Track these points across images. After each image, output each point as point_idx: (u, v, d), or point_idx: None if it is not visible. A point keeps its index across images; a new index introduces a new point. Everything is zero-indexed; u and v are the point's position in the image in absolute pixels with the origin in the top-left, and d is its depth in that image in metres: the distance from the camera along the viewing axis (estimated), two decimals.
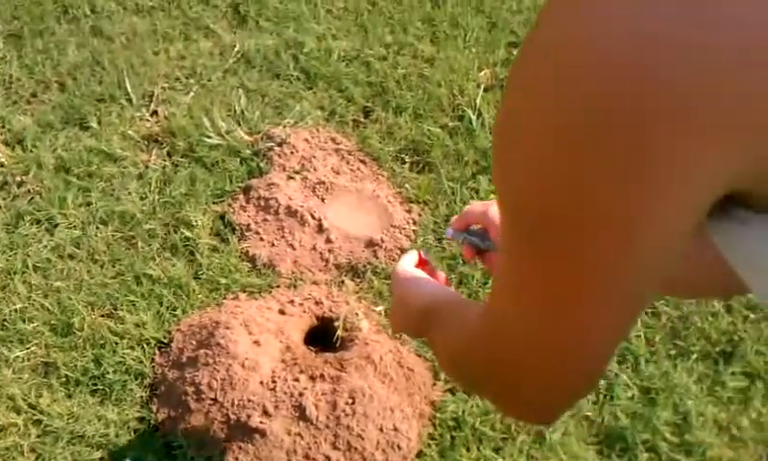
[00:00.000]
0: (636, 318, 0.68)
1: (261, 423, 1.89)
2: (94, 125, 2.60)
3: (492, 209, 1.15)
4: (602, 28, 0.48)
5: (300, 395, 1.92)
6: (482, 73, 2.90)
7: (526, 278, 0.61)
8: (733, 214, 0.58)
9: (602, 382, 2.06)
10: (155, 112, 2.68)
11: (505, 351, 0.70)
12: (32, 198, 2.43)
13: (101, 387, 2.01)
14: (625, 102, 0.47)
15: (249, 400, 1.92)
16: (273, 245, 2.34)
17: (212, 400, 1.93)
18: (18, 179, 2.47)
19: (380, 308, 2.22)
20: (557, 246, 0.56)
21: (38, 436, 1.93)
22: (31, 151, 2.55)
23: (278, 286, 2.24)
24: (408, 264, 1.22)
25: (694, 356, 2.13)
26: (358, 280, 2.29)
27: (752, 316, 2.17)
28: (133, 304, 2.15)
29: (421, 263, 1.23)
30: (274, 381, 1.96)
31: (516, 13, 3.16)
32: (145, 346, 2.08)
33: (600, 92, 0.48)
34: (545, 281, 0.59)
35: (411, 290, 1.15)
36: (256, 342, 2.03)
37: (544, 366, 0.66)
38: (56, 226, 2.34)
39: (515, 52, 2.97)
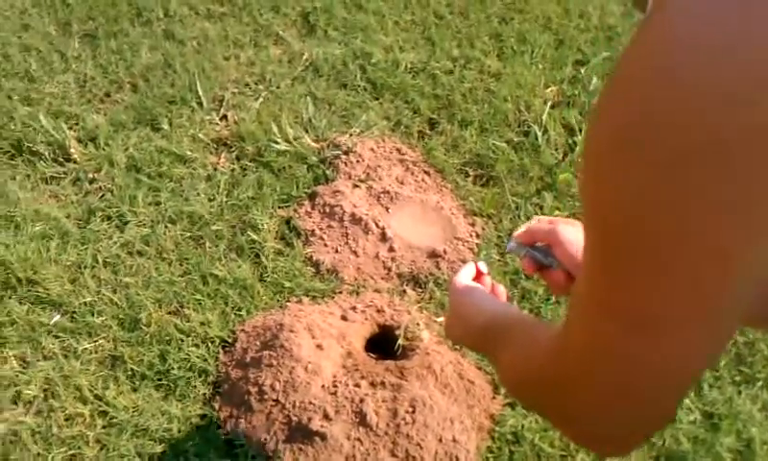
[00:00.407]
0: (723, 348, 0.64)
1: (322, 426, 1.91)
2: (165, 126, 2.66)
3: (561, 227, 1.13)
4: (694, 57, 0.47)
5: (361, 401, 1.94)
6: (548, 90, 2.90)
7: (612, 299, 0.59)
8: None
9: None
10: (224, 117, 2.73)
11: (583, 375, 0.66)
12: (103, 195, 2.49)
13: (165, 382, 2.04)
14: (731, 133, 0.47)
15: (310, 403, 1.94)
16: (336, 251, 2.36)
17: (274, 400, 1.95)
18: (90, 175, 2.53)
19: (441, 319, 2.22)
20: (653, 266, 0.54)
21: (104, 427, 1.97)
22: (103, 149, 2.61)
23: (341, 292, 2.26)
24: (466, 277, 1.21)
25: (759, 383, 2.10)
26: (420, 291, 2.30)
27: None
28: (199, 303, 2.19)
29: (479, 276, 1.22)
30: (335, 386, 1.98)
31: (584, 32, 3.16)
32: (210, 344, 2.11)
33: (711, 122, 0.47)
34: (634, 302, 0.57)
35: (469, 303, 1.13)
36: (319, 346, 2.05)
37: (621, 392, 0.63)
38: (126, 223, 2.39)
39: (582, 70, 2.97)
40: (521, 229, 1.17)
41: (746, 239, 0.50)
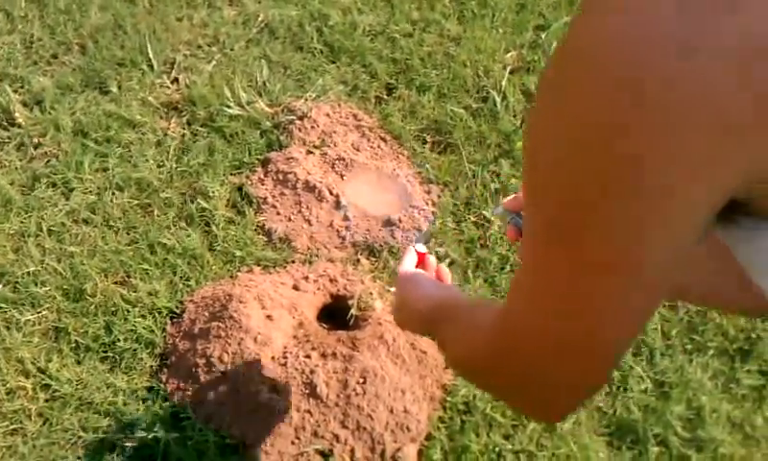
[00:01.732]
0: (649, 316, 0.65)
1: (271, 398, 1.87)
2: (114, 89, 2.58)
3: None
4: (614, 35, 0.51)
5: (312, 372, 1.90)
6: (508, 55, 2.86)
7: (543, 272, 0.62)
8: (744, 224, 0.60)
9: (616, 374, 2.03)
10: (175, 80, 2.65)
11: (517, 347, 0.70)
12: (48, 160, 2.41)
13: (111, 355, 1.99)
14: (636, 107, 0.50)
15: (259, 375, 1.90)
16: (289, 220, 2.31)
17: (222, 372, 1.91)
18: (35, 140, 2.45)
19: (395, 289, 2.19)
20: (574, 239, 0.57)
21: (47, 401, 1.92)
22: (49, 113, 2.52)
23: (293, 262, 2.22)
24: (410, 264, 1.28)
25: (710, 352, 2.09)
26: (374, 260, 2.26)
27: None
28: (147, 273, 2.13)
29: (421, 258, 1.26)
30: (285, 357, 1.94)
31: None
32: (157, 315, 2.06)
33: (612, 97, 0.51)
34: (560, 276, 0.60)
35: (415, 290, 1.18)
36: (269, 317, 2.01)
37: (557, 362, 0.67)
38: (72, 190, 2.33)
39: (543, 35, 2.92)
40: (510, 196, 1.21)
41: (653, 204, 0.52)
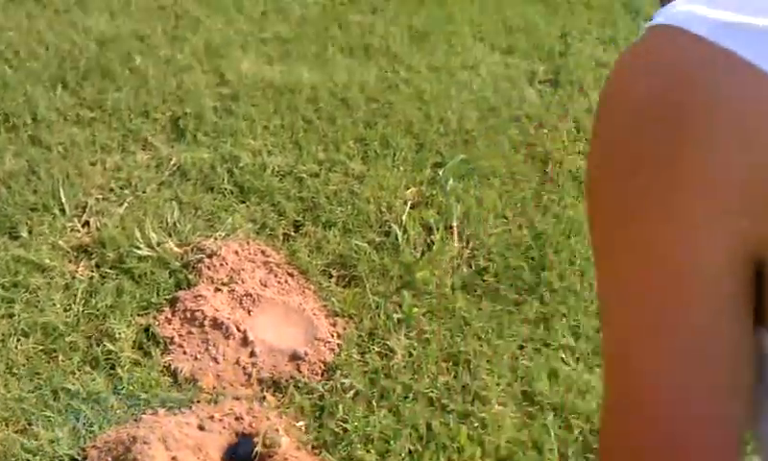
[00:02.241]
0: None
1: None
2: (24, 234, 2.51)
3: None
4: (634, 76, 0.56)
5: None
6: (408, 191, 2.90)
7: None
8: None
9: None
10: (86, 223, 2.60)
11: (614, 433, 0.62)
12: None
13: None
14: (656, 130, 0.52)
15: None
16: (196, 359, 2.24)
17: None
18: None
19: (301, 424, 2.13)
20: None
21: None
22: None
23: (199, 401, 2.14)
24: None
25: None
26: (280, 395, 2.20)
27: None
28: (49, 420, 2.02)
29: None
30: None
31: (443, 136, 3.19)
32: None
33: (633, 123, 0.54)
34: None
35: None
36: (174, 458, 1.92)
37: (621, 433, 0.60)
38: None
39: (439, 172, 2.98)
40: None
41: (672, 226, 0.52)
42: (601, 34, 4.17)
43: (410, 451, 2.10)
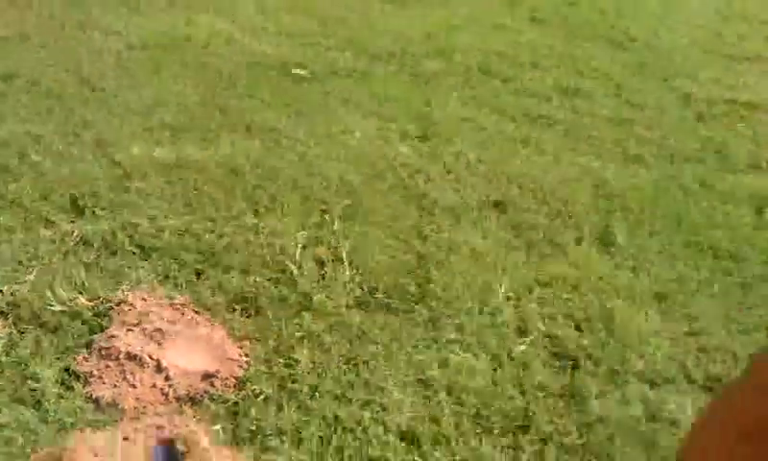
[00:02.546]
0: None
1: None
2: None
3: None
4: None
5: None
6: (300, 234, 3.28)
7: None
8: None
9: None
10: (4, 292, 2.86)
11: None
12: None
13: None
14: None
15: None
16: (115, 386, 2.52)
17: None
18: None
19: (217, 427, 2.42)
20: None
21: None
22: None
23: (123, 419, 2.41)
24: None
25: None
26: (197, 408, 2.49)
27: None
28: None
29: None
30: None
31: (326, 188, 3.62)
32: None
33: None
34: None
35: None
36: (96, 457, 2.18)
37: None
38: None
39: (326, 217, 3.39)
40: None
41: None
42: (462, 94, 4.75)
43: (320, 438, 2.42)
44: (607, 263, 3.33)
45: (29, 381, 2.49)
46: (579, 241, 3.47)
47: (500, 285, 3.12)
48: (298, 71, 4.85)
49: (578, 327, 2.96)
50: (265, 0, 6.11)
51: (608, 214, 3.67)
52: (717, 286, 3.25)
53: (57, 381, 2.52)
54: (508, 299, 3.07)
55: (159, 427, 2.38)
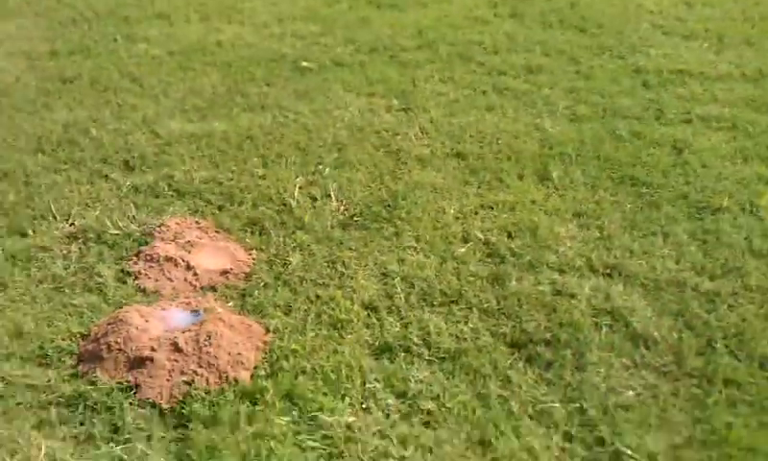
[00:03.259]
0: None
1: (151, 355, 2.84)
2: (30, 232, 3.64)
3: None
4: None
5: (176, 338, 2.89)
6: (298, 179, 4.10)
7: None
8: None
9: None
10: (72, 223, 3.73)
11: None
12: None
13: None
14: None
15: (143, 345, 2.88)
16: (157, 280, 3.35)
17: (118, 349, 2.88)
18: None
19: (231, 303, 3.23)
20: None
21: None
22: None
23: (162, 300, 3.24)
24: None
25: None
26: (216, 293, 3.31)
27: None
28: (66, 320, 3.10)
29: None
30: (158, 339, 2.93)
31: (322, 147, 4.44)
32: (72, 339, 3.01)
33: None
34: None
35: None
36: (146, 321, 3.01)
37: None
38: None
39: (320, 167, 4.21)
40: None
41: None
42: (442, 76, 5.54)
43: (305, 309, 3.21)
44: (541, 192, 4.08)
45: (95, 277, 3.35)
46: (521, 178, 4.21)
47: (452, 209, 3.89)
48: (305, 64, 5.69)
49: (509, 236, 3.71)
50: (282, 11, 6.98)
51: (548, 158, 4.41)
52: (629, 206, 3.96)
53: (115, 278, 3.37)
54: (457, 218, 3.83)
55: (189, 303, 3.20)
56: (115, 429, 2.64)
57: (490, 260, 3.53)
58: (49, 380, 2.84)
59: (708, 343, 3.02)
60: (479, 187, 4.12)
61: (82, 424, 2.67)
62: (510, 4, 7.24)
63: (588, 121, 4.90)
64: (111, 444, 2.59)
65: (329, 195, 3.99)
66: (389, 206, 3.91)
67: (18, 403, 2.75)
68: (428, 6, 7.23)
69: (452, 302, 3.26)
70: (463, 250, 3.59)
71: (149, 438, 2.61)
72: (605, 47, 6.20)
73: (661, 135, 4.69)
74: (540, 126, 4.81)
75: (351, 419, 2.67)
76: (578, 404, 2.75)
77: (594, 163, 4.37)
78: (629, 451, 2.55)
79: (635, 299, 3.25)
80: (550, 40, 6.33)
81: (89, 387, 2.79)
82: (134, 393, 2.77)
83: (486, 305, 3.23)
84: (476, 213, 3.88)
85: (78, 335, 3.04)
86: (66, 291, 3.29)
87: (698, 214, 3.86)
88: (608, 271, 3.47)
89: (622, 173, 4.26)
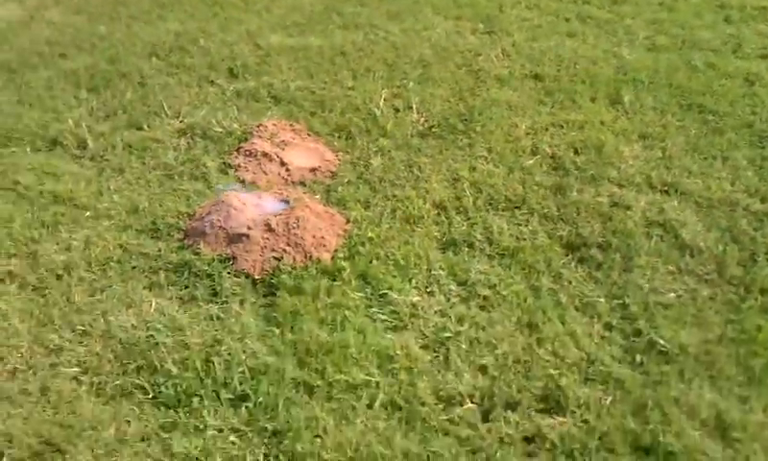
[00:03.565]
0: None
1: (246, 233, 3.23)
2: (145, 127, 4.07)
3: None
4: None
5: (268, 220, 3.27)
6: (384, 91, 4.40)
7: None
8: None
9: None
10: (182, 120, 4.14)
11: None
12: None
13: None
14: None
15: (240, 224, 3.27)
16: (254, 173, 3.74)
17: (219, 227, 3.28)
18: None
19: (317, 196, 3.59)
20: None
21: None
22: None
23: (258, 191, 3.63)
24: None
25: None
26: (305, 188, 3.67)
27: None
28: (175, 203, 3.52)
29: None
30: (254, 220, 3.32)
31: (408, 64, 4.71)
32: (179, 217, 3.43)
33: None
34: None
35: None
36: (243, 203, 3.39)
37: None
38: None
39: (404, 81, 4.49)
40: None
41: None
42: (528, 3, 5.70)
43: (382, 205, 3.53)
44: (610, 114, 4.26)
45: (200, 167, 3.75)
46: (593, 100, 4.40)
47: (524, 125, 4.13)
48: None
49: (575, 152, 3.93)
50: None
51: (621, 83, 4.56)
52: (694, 131, 4.11)
53: (217, 169, 3.76)
54: (527, 134, 4.07)
55: (281, 195, 3.57)
56: (214, 293, 3.04)
57: (554, 172, 3.77)
58: (159, 250, 3.26)
59: (750, 256, 3.20)
60: (552, 107, 4.33)
61: (186, 287, 3.08)
62: None
63: (666, 51, 5.00)
64: (210, 304, 2.99)
65: (411, 107, 4.27)
66: (465, 119, 4.17)
67: (133, 267, 3.18)
68: None
69: (515, 207, 3.53)
70: (530, 162, 3.84)
71: (242, 302, 2.99)
72: None
73: (736, 68, 4.76)
74: (618, 53, 4.94)
75: (416, 298, 3.00)
76: (621, 301, 3.00)
77: (665, 90, 4.50)
78: (662, 341, 2.80)
79: (687, 214, 3.44)
80: None
81: (193, 257, 3.19)
82: (231, 264, 3.16)
83: (546, 211, 3.49)
84: (546, 130, 4.10)
85: (184, 214, 3.45)
86: (175, 178, 3.71)
87: (759, 143, 3.97)
88: (665, 188, 3.65)
89: (691, 100, 4.39)
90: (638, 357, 2.75)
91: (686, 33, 5.26)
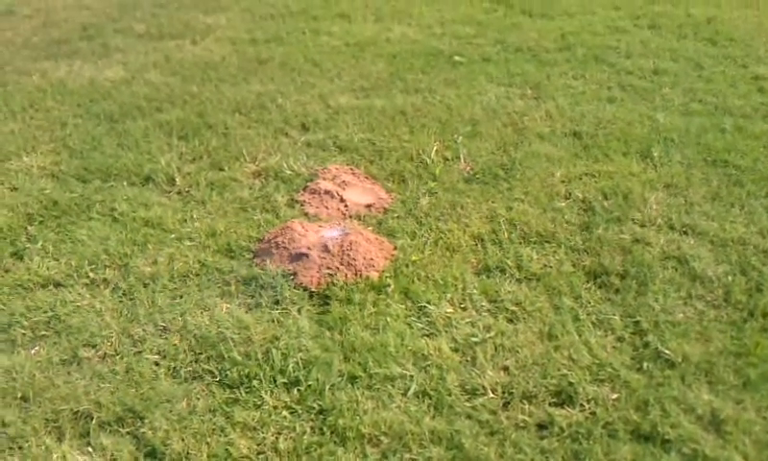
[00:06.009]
0: None
1: (306, 253, 3.62)
2: (226, 169, 4.54)
3: None
4: None
5: (326, 243, 3.66)
6: (435, 143, 4.79)
7: None
8: None
9: None
10: (258, 165, 4.60)
11: None
12: None
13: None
14: None
15: (302, 245, 3.66)
16: (317, 208, 4.14)
17: (284, 248, 3.68)
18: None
19: (370, 228, 3.97)
20: None
21: None
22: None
23: (320, 222, 4.03)
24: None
25: None
26: (359, 221, 4.06)
27: None
28: (247, 230, 3.95)
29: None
30: (313, 243, 3.70)
31: (458, 122, 5.10)
32: (251, 241, 3.85)
33: None
34: None
35: None
36: (306, 230, 3.80)
37: None
38: None
39: (455, 136, 4.88)
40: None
41: None
42: (575, 73, 6.06)
43: (426, 236, 3.89)
44: (639, 166, 4.54)
45: (271, 202, 4.18)
46: (625, 155, 4.69)
47: (559, 173, 4.45)
48: (457, 58, 6.38)
49: (605, 197, 4.21)
50: (444, 16, 7.72)
51: (653, 141, 4.84)
52: (716, 182, 4.35)
53: (286, 204, 4.19)
54: (562, 181, 4.39)
55: (338, 224, 3.96)
56: (276, 301, 3.41)
57: (584, 213, 4.06)
58: (232, 267, 3.67)
59: (756, 286, 3.42)
60: (587, 159, 4.64)
61: (253, 296, 3.46)
62: (650, 16, 7.60)
63: (698, 115, 5.26)
64: (273, 310, 3.36)
65: (459, 157, 4.64)
66: (507, 168, 4.52)
67: (209, 279, 3.59)
68: (574, 16, 7.72)
69: (546, 240, 3.83)
70: (563, 204, 4.14)
71: (300, 309, 3.36)
72: (731, 57, 6.46)
73: (763, 131, 4.98)
74: (653, 117, 5.23)
75: (450, 310, 3.32)
76: (634, 319, 3.25)
77: (693, 148, 4.76)
78: (667, 351, 3.04)
79: (701, 251, 3.68)
80: (680, 49, 6.66)
81: (260, 272, 3.59)
82: (292, 278, 3.53)
83: (572, 244, 3.77)
84: (580, 178, 4.41)
85: (255, 238, 3.87)
86: (249, 210, 4.14)
87: None
88: (684, 229, 3.89)
89: (716, 157, 4.63)
90: (645, 364, 2.99)
91: (720, 100, 5.51)
